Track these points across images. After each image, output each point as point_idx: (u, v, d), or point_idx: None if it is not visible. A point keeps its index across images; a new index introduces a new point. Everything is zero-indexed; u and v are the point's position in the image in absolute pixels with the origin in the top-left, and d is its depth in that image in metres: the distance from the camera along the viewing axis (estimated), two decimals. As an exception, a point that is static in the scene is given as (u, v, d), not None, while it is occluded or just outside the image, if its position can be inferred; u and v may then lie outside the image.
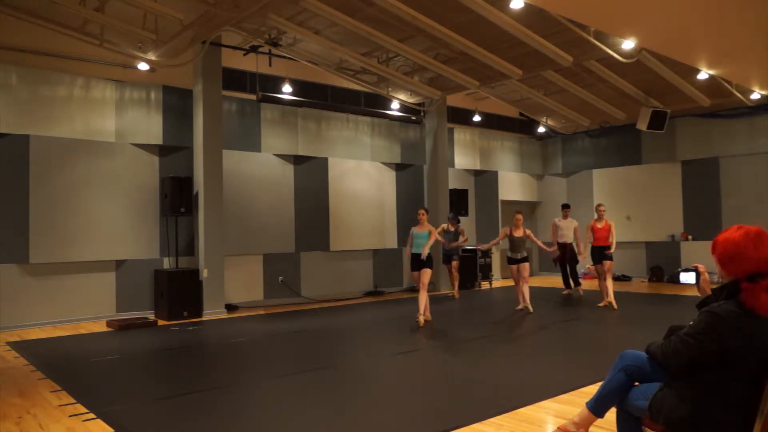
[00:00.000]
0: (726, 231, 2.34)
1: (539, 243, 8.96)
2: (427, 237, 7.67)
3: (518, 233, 8.68)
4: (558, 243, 10.46)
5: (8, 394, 4.58)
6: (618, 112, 11.98)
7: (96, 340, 6.94)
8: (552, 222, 10.79)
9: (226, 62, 9.16)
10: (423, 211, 7.87)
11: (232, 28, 8.00)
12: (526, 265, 8.62)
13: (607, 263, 8.94)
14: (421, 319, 7.41)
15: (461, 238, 10.47)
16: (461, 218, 11.72)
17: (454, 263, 10.60)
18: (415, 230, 7.84)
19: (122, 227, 8.59)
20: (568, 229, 10.38)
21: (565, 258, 10.48)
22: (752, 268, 2.22)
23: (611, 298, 8.78)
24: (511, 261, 8.71)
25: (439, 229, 9.95)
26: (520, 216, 8.82)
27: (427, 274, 7.58)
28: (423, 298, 7.53)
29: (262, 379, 4.96)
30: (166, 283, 8.35)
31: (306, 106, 10.45)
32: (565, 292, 10.65)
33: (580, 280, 10.76)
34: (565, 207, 10.65)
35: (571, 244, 10.39)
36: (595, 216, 9.21)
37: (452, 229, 10.66)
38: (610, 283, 8.87)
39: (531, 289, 8.76)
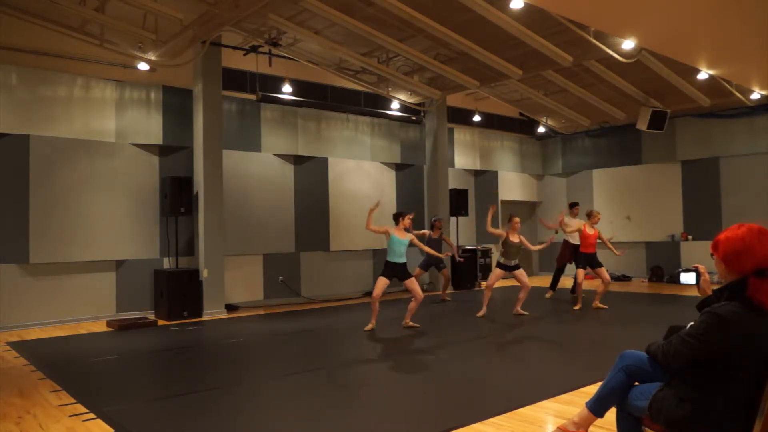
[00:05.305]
0: (726, 230, 2.33)
1: (532, 247, 8.44)
2: (407, 245, 7.16)
3: (514, 238, 8.17)
4: (566, 242, 10.11)
5: (8, 394, 4.58)
6: (618, 112, 11.98)
7: (96, 340, 6.94)
8: (561, 213, 10.14)
9: (226, 62, 9.15)
10: (410, 217, 7.30)
11: (232, 28, 8.01)
12: (523, 271, 8.20)
13: (600, 270, 8.75)
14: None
15: (447, 245, 9.90)
16: (461, 218, 11.70)
17: (444, 271, 10.19)
18: (395, 235, 7.09)
19: (122, 227, 8.59)
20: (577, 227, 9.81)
21: (570, 260, 10.11)
22: (759, 264, 2.22)
23: (597, 302, 8.79)
24: (504, 267, 8.21)
25: (419, 234, 9.25)
26: (517, 219, 8.32)
27: (415, 283, 7.20)
28: (414, 307, 7.25)
29: (262, 379, 4.96)
30: (166, 283, 8.34)
31: (306, 106, 10.45)
32: (547, 294, 10.29)
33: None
34: (574, 205, 10.18)
35: (578, 245, 9.73)
36: (585, 221, 9.01)
37: (435, 236, 9.84)
38: (602, 290, 8.81)
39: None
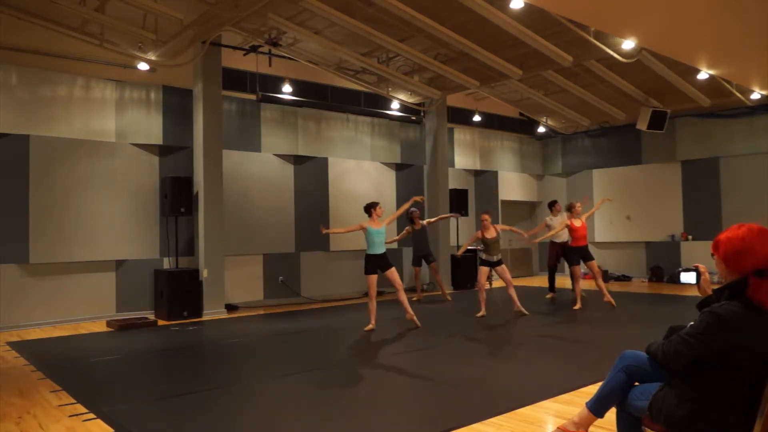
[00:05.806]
0: (727, 230, 2.33)
1: (515, 229, 8.59)
2: (385, 233, 7.23)
3: (490, 234, 8.22)
4: (552, 243, 10.09)
5: (8, 394, 4.58)
6: (618, 112, 11.98)
7: (96, 340, 6.94)
8: (543, 221, 10.34)
9: (226, 62, 9.15)
10: (380, 205, 7.29)
11: (232, 28, 8.00)
12: (505, 267, 8.25)
13: (591, 263, 8.75)
14: (415, 319, 7.31)
15: (427, 221, 10.03)
16: (462, 216, 11.70)
17: (433, 264, 10.33)
18: (370, 227, 7.12)
19: (122, 227, 8.59)
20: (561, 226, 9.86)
21: (559, 259, 10.19)
22: (759, 264, 2.22)
23: (607, 296, 8.74)
24: (486, 263, 8.28)
25: (403, 232, 9.73)
26: (486, 216, 8.34)
27: (396, 273, 7.25)
28: (404, 298, 7.31)
29: (262, 379, 4.96)
30: (166, 283, 8.34)
31: (306, 106, 10.45)
32: (548, 296, 10.18)
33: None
34: (554, 203, 10.22)
35: (566, 242, 9.82)
36: (568, 214, 9.01)
37: (417, 228, 10.13)
38: (602, 283, 8.80)
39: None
